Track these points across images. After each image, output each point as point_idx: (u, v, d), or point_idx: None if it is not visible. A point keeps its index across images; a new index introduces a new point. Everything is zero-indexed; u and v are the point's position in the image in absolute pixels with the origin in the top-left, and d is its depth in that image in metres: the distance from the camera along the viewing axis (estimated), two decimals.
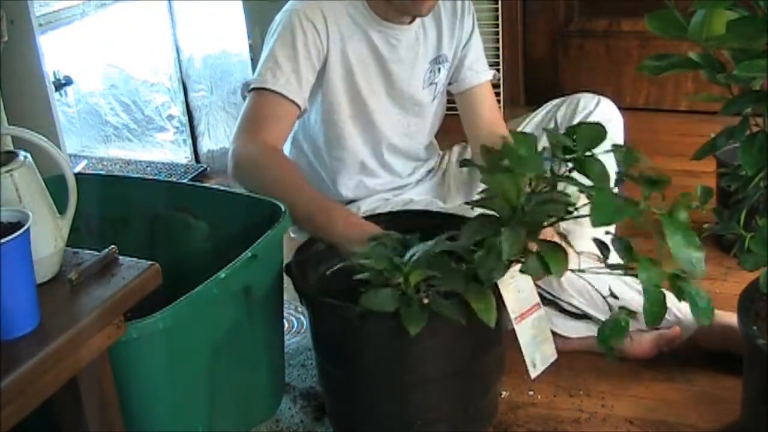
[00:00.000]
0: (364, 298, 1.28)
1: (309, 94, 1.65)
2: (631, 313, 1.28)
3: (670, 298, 1.65)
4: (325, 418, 1.59)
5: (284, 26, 1.64)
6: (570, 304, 1.62)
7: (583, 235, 1.73)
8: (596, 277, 1.40)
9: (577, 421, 1.55)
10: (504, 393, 1.62)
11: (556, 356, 1.44)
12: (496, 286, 1.32)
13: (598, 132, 1.28)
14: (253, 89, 1.62)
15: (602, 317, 1.65)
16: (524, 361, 1.70)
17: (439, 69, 1.82)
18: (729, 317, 1.60)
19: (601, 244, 1.31)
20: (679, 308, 1.65)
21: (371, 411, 1.47)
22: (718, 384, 1.61)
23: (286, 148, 1.78)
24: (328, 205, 1.55)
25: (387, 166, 1.85)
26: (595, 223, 1.17)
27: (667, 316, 1.64)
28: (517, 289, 1.36)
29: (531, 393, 1.63)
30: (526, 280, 1.37)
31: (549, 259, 1.23)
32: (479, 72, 1.88)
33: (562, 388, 1.64)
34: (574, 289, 1.60)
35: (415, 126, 1.85)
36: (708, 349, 1.66)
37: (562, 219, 1.29)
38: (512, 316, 1.35)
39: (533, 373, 1.40)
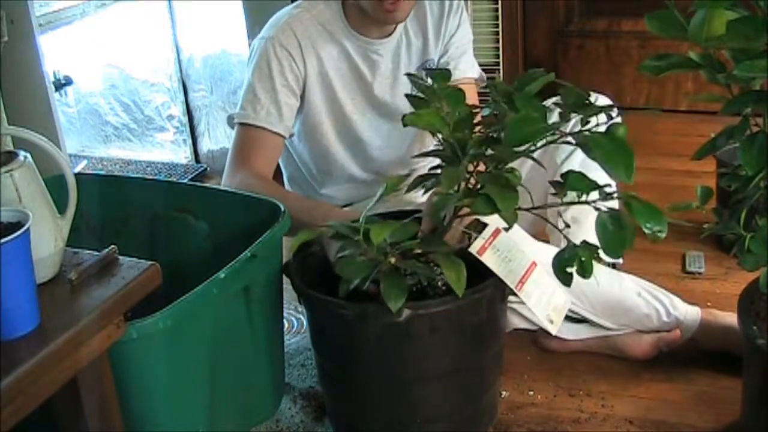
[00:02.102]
0: (337, 266, 1.31)
1: (292, 119, 1.67)
2: (591, 246, 1.25)
3: (670, 300, 1.66)
4: (325, 418, 1.59)
5: (260, 56, 1.66)
6: (568, 309, 1.62)
7: (580, 236, 1.73)
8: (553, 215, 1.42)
9: (577, 421, 1.55)
10: (504, 393, 1.62)
11: (569, 302, 1.45)
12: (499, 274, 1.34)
13: (535, 77, 1.29)
14: (238, 123, 1.66)
15: (600, 321, 1.66)
16: (524, 360, 1.71)
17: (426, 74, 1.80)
18: (729, 317, 1.61)
19: (557, 184, 1.31)
20: (678, 309, 1.65)
21: (371, 409, 1.47)
22: (718, 384, 1.61)
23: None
24: (311, 204, 1.60)
25: (380, 174, 1.84)
26: (511, 142, 1.16)
27: (666, 318, 1.65)
28: (507, 259, 1.37)
29: (531, 393, 1.63)
30: (514, 246, 1.38)
31: (497, 198, 1.22)
32: (456, 68, 1.79)
33: (562, 388, 1.64)
34: (572, 292, 1.60)
35: (408, 135, 1.81)
36: (708, 349, 1.65)
37: (510, 159, 1.28)
38: (510, 284, 1.36)
39: (553, 330, 1.41)
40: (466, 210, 1.34)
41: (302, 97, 1.69)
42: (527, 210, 1.34)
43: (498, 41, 2.98)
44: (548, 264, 1.49)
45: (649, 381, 1.64)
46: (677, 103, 2.95)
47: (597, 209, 1.22)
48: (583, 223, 1.46)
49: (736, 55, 1.13)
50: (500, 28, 2.97)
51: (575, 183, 1.25)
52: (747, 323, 1.34)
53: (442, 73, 1.36)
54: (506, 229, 1.40)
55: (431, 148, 1.39)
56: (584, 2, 2.99)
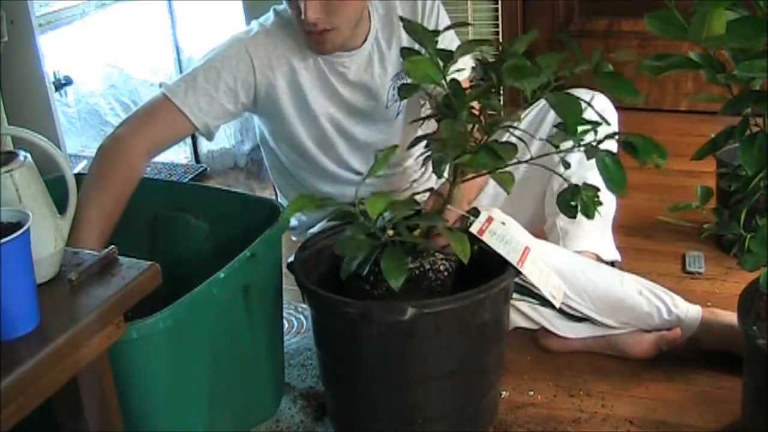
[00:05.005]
0: (336, 245, 1.34)
1: (220, 119, 1.64)
2: (591, 187, 1.31)
3: (671, 299, 1.66)
4: (325, 418, 1.59)
5: (222, 50, 1.64)
6: (569, 307, 1.62)
7: (579, 235, 1.73)
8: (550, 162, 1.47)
9: (577, 421, 1.55)
10: (504, 393, 1.62)
11: (563, 286, 1.52)
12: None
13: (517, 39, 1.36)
14: (163, 92, 1.62)
15: (602, 319, 1.66)
16: (524, 360, 1.71)
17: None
18: (730, 316, 1.61)
19: (554, 138, 1.34)
20: (679, 308, 1.65)
21: (372, 408, 1.47)
22: (718, 384, 1.61)
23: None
24: (79, 222, 1.39)
25: (360, 174, 1.83)
26: (512, 79, 1.25)
27: (667, 316, 1.65)
28: (505, 241, 1.42)
29: (531, 393, 1.63)
30: (508, 232, 1.43)
31: (500, 150, 1.29)
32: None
33: (562, 388, 1.64)
34: (573, 290, 1.60)
35: (388, 140, 1.79)
36: (709, 348, 1.66)
37: (501, 124, 1.34)
38: (512, 261, 1.40)
39: (556, 304, 1.48)
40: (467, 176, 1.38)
41: (256, 107, 1.69)
42: (527, 162, 1.38)
43: (498, 41, 2.98)
44: (542, 254, 1.50)
45: (649, 381, 1.64)
46: (677, 103, 2.95)
47: (597, 151, 1.26)
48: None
49: (736, 55, 1.13)
50: (500, 28, 2.97)
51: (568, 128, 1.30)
52: (747, 323, 1.34)
53: (430, 33, 1.38)
54: (503, 223, 1.45)
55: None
56: (584, 2, 2.99)
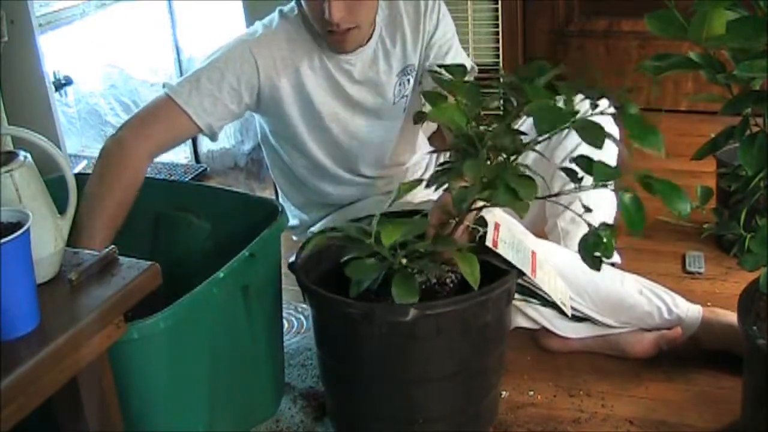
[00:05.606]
0: (348, 268, 1.31)
1: (223, 120, 1.64)
2: (612, 227, 1.29)
3: (672, 298, 1.66)
4: (325, 418, 1.59)
5: (227, 51, 1.64)
6: (570, 307, 1.62)
7: (580, 236, 1.73)
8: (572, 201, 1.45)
9: (577, 421, 1.55)
10: (504, 393, 1.62)
11: (568, 289, 1.53)
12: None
13: (540, 66, 1.32)
14: (166, 93, 1.60)
15: (602, 318, 1.66)
16: (524, 360, 1.71)
17: (408, 80, 1.77)
18: (730, 316, 1.61)
19: (570, 172, 1.33)
20: (680, 307, 1.65)
21: (373, 408, 1.47)
22: (718, 384, 1.61)
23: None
24: (83, 222, 1.44)
25: (370, 178, 1.84)
26: (541, 130, 1.23)
27: (668, 315, 1.65)
28: (516, 249, 1.42)
29: (531, 393, 1.63)
30: (515, 238, 1.43)
31: (518, 187, 1.27)
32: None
33: (562, 388, 1.64)
34: (574, 290, 1.60)
35: (392, 138, 1.82)
36: (709, 348, 1.66)
37: (523, 149, 1.32)
38: (526, 271, 1.41)
39: (569, 312, 1.50)
40: (478, 204, 1.36)
41: (259, 108, 1.69)
42: (541, 198, 1.36)
43: (498, 41, 2.98)
44: (544, 253, 1.50)
45: (649, 381, 1.64)
46: (677, 103, 2.94)
47: (617, 190, 1.25)
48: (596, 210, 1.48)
49: (736, 55, 1.13)
50: (500, 28, 2.97)
51: (587, 166, 1.28)
52: (747, 323, 1.34)
53: (459, 69, 1.37)
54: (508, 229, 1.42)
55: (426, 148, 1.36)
56: (584, 2, 2.99)
